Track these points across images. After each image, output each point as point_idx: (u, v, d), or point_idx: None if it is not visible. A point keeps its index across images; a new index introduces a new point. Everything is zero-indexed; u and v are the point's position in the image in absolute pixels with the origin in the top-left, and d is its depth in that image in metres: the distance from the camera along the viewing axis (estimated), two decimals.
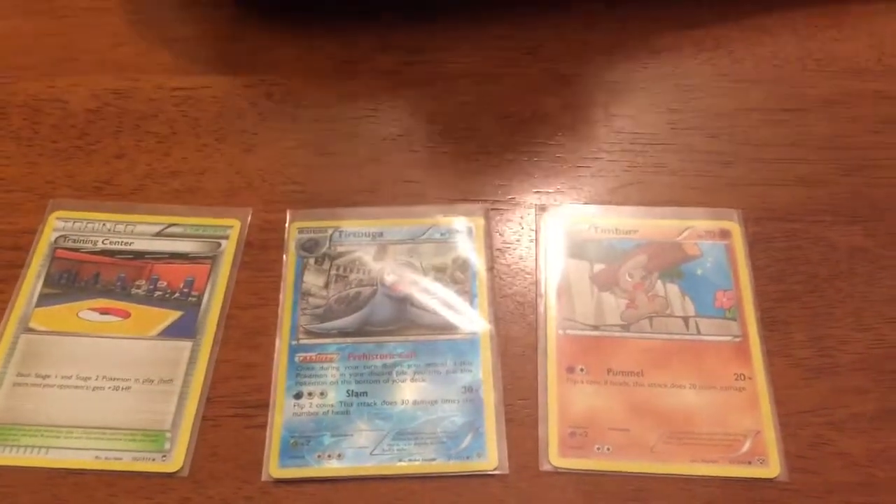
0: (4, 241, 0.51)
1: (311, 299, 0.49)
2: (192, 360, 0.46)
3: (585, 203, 0.54)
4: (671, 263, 0.51)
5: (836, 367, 0.47)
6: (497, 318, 0.49)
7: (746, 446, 0.44)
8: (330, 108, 0.58)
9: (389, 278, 0.50)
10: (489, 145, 0.56)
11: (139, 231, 0.51)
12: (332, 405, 0.45)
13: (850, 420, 0.46)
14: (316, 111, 0.58)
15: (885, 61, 0.61)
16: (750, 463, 0.44)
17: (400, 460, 0.44)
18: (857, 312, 0.50)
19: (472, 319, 0.48)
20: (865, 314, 0.49)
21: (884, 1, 0.64)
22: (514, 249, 0.52)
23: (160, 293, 0.49)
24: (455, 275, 0.50)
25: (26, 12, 0.64)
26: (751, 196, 0.54)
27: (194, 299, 0.49)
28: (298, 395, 0.46)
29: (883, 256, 0.52)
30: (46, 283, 0.49)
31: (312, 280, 0.50)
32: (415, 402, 0.45)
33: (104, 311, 0.48)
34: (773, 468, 0.44)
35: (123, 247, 0.51)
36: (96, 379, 0.46)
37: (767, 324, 0.49)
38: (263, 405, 0.46)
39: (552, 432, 0.45)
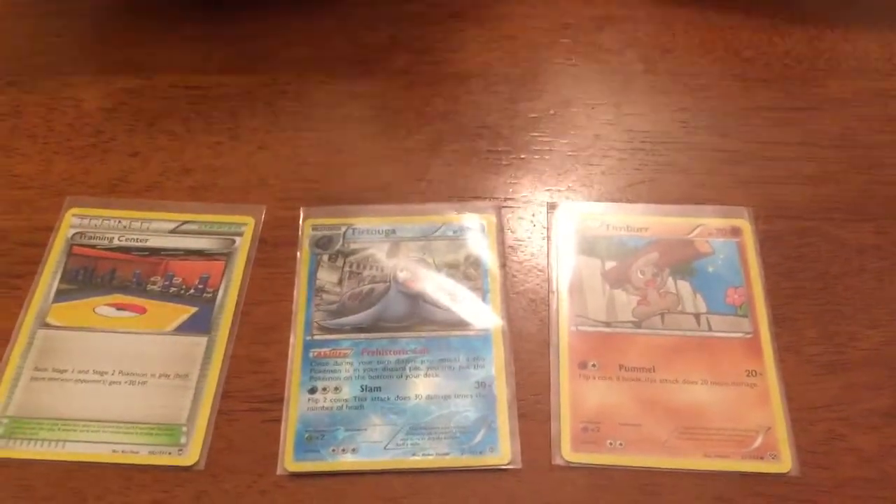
0: (22, 238, 0.52)
1: (324, 295, 0.49)
2: (208, 356, 0.47)
3: (597, 200, 0.54)
4: (682, 260, 0.51)
5: (848, 364, 0.48)
6: (509, 315, 0.49)
7: (758, 441, 0.45)
8: (343, 107, 0.59)
9: (402, 275, 0.50)
10: (500, 144, 0.57)
11: (154, 228, 0.52)
12: (346, 400, 0.46)
13: (862, 416, 0.46)
14: (329, 110, 0.59)
15: (895, 60, 0.61)
16: (762, 458, 0.44)
17: (414, 455, 0.44)
18: (868, 309, 0.50)
19: (484, 316, 0.49)
20: (877, 311, 0.50)
21: None
22: (526, 247, 0.52)
23: (175, 289, 0.49)
24: (467, 272, 0.50)
25: (41, 12, 0.64)
26: (761, 194, 0.54)
27: (209, 295, 0.49)
28: (313, 390, 0.46)
29: (894, 254, 0.52)
30: (63, 280, 0.49)
31: (326, 276, 0.50)
32: (428, 398, 0.46)
33: (120, 307, 0.48)
34: (784, 463, 0.44)
35: (139, 243, 0.51)
36: (113, 374, 0.46)
37: (778, 320, 0.49)
38: (278, 400, 0.46)
39: (564, 427, 0.45)
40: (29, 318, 0.48)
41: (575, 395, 0.46)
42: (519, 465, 0.44)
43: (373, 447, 0.44)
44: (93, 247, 0.51)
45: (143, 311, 0.48)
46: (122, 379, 0.46)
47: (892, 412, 0.46)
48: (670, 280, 0.50)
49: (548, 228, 0.53)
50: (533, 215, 0.53)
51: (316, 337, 0.48)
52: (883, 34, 0.63)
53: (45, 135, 0.57)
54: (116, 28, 0.63)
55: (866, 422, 0.46)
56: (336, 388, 0.46)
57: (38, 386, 0.46)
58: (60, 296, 0.49)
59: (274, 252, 0.51)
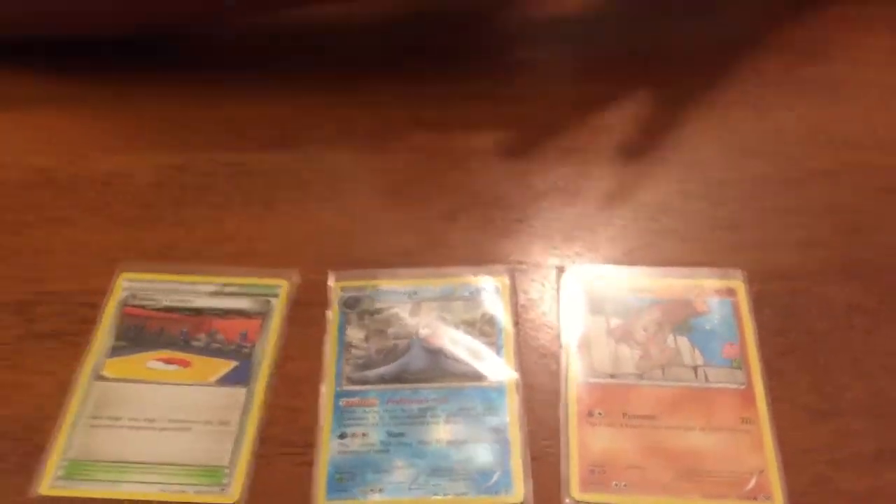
0: (79, 300, 0.57)
1: (353, 350, 0.54)
2: (247, 405, 0.51)
3: (602, 263, 0.59)
4: (682, 318, 0.55)
5: (837, 412, 0.51)
6: (522, 368, 0.53)
7: (752, 483, 0.48)
8: (368, 181, 0.64)
9: (424, 332, 0.55)
10: (512, 212, 0.62)
11: (198, 290, 0.57)
12: (373, 444, 0.50)
13: (851, 460, 0.49)
14: (355, 183, 0.64)
15: (878, 135, 0.66)
16: (755, 499, 0.48)
17: (435, 494, 0.48)
18: (856, 362, 0.53)
19: (499, 369, 0.53)
20: (864, 364, 0.53)
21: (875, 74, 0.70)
22: (538, 306, 0.57)
23: (218, 345, 0.54)
24: (483, 329, 0.55)
25: (96, 99, 0.70)
26: (754, 257, 0.58)
27: (248, 350, 0.54)
28: (343, 436, 0.50)
29: (880, 311, 0.56)
30: (117, 337, 0.54)
31: (354, 333, 0.55)
32: (448, 442, 0.50)
33: (168, 361, 0.53)
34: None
35: (185, 304, 0.56)
36: (162, 421, 0.51)
37: (771, 373, 0.53)
38: (311, 445, 0.50)
39: (573, 469, 0.49)
40: (86, 372, 0.53)
41: (583, 441, 0.50)
42: None
43: (397, 487, 0.48)
44: (143, 307, 0.56)
45: (188, 364, 0.53)
46: (170, 426, 0.50)
47: (879, 456, 0.50)
48: (670, 336, 0.55)
49: (557, 289, 0.57)
50: (544, 277, 0.58)
51: (345, 388, 0.52)
52: (868, 110, 0.68)
53: (100, 207, 0.63)
54: (161, 111, 0.69)
55: (854, 465, 0.49)
56: (364, 434, 0.50)
57: (95, 432, 0.50)
58: (114, 351, 0.54)
59: (306, 311, 0.56)
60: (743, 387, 0.52)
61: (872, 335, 0.55)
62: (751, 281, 0.57)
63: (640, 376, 0.53)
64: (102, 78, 0.71)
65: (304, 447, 0.50)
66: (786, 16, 0.75)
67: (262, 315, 0.56)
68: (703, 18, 0.76)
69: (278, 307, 0.56)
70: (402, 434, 0.50)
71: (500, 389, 0.52)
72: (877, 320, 0.56)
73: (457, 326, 0.55)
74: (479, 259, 0.59)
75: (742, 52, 0.72)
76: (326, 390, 0.52)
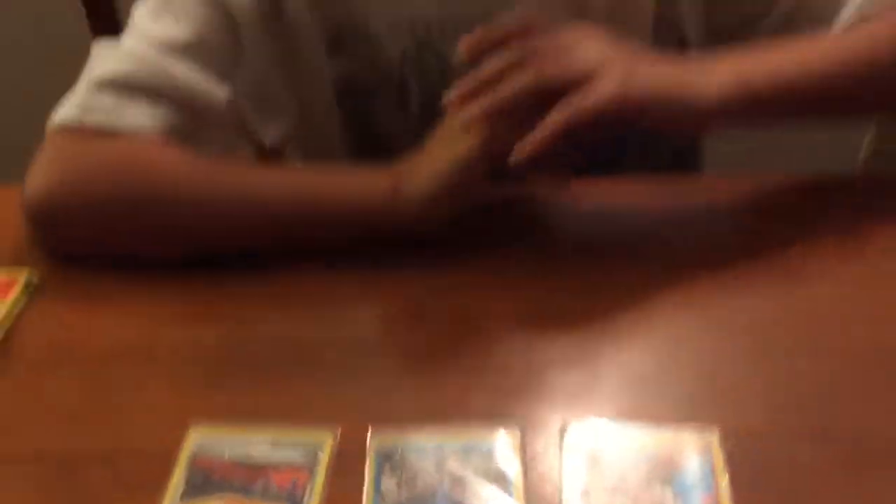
0: (156, 451, 0.67)
1: (387, 496, 0.63)
2: None
3: (599, 418, 0.68)
4: (667, 472, 0.65)
5: None
6: None
7: None
8: (398, 357, 0.76)
9: (447, 481, 0.64)
10: (522, 379, 0.72)
11: (256, 443, 0.67)
12: None
13: None
14: (387, 354, 0.76)
15: (841, 315, 0.77)
16: None
17: None
18: None
19: None
20: None
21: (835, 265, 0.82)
22: (544, 459, 0.66)
23: (273, 491, 0.64)
24: (497, 479, 0.64)
25: (161, 283, 0.82)
26: (729, 419, 0.67)
27: (298, 496, 0.64)
28: None
29: (846, 471, 0.64)
30: (188, 483, 0.64)
31: (387, 481, 0.64)
32: None
33: None
34: None
35: (244, 456, 0.66)
36: None
37: None
38: None
39: None
40: None
41: None
42: None
43: None
44: (210, 458, 0.66)
45: None
46: None
47: None
48: (657, 487, 0.64)
49: (560, 444, 0.67)
50: (549, 434, 0.68)
51: None
52: (831, 296, 0.79)
53: (172, 373, 0.74)
54: (220, 289, 0.82)
55: None
56: None
57: None
58: (186, 495, 0.64)
59: (347, 462, 0.66)
60: None
61: (840, 490, 0.63)
62: (726, 439, 0.67)
63: None
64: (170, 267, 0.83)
65: None
66: (752, 222, 0.88)
67: (310, 465, 0.66)
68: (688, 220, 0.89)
69: (323, 458, 0.66)
70: None
71: None
72: (842, 474, 0.64)
73: (475, 476, 0.65)
74: (494, 416, 0.69)
75: (719, 248, 0.84)
76: None
